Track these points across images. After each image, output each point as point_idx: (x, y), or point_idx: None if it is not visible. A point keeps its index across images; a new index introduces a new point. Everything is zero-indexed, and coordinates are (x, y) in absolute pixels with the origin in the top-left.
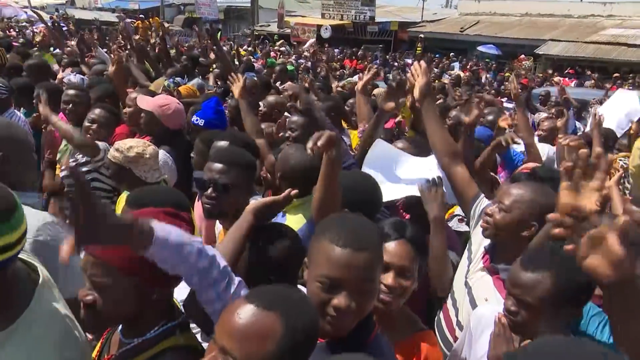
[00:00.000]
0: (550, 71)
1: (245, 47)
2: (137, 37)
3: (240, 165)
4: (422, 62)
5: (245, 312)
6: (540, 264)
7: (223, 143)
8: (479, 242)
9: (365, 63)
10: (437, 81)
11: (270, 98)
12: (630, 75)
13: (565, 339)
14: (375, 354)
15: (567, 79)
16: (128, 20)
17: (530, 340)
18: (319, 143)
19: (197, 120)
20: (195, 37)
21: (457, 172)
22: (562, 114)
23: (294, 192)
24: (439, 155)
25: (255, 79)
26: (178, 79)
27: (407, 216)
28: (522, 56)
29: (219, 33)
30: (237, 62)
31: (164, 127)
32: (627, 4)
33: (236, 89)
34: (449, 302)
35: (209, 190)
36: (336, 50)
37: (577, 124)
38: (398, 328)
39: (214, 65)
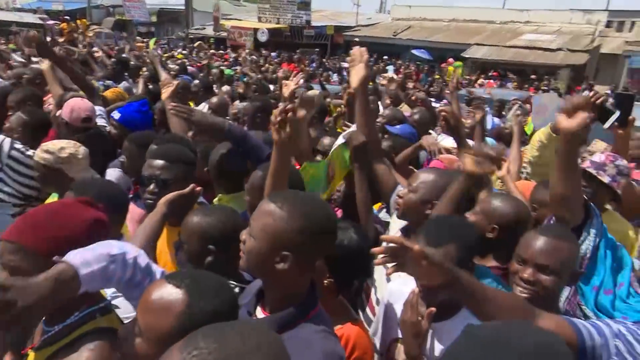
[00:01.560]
0: (473, 75)
1: (179, 50)
2: (62, 39)
3: (180, 161)
4: (363, 49)
5: (155, 287)
6: (441, 239)
7: (161, 141)
8: (397, 227)
9: (302, 66)
10: (370, 83)
11: (214, 99)
12: (546, 77)
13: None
14: (304, 332)
15: (491, 80)
16: (51, 22)
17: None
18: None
19: (113, 114)
20: (125, 40)
21: (378, 167)
22: (479, 108)
23: (199, 189)
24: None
25: (197, 82)
26: (109, 82)
27: (339, 211)
28: (451, 59)
29: (154, 37)
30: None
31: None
32: (542, 11)
33: (165, 92)
34: (370, 281)
35: (151, 186)
36: (273, 54)
37: (497, 120)
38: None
39: (144, 69)
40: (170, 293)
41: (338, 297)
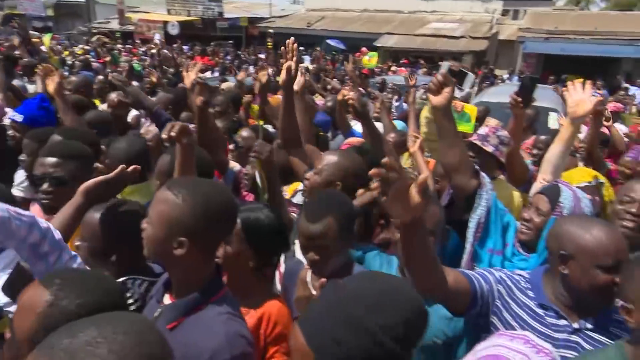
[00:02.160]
0: (389, 62)
1: (81, 45)
2: None
3: (74, 157)
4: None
5: (27, 288)
6: (319, 215)
7: (56, 137)
8: None
9: (217, 59)
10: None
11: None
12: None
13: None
14: (207, 315)
15: (403, 68)
16: None
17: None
18: (172, 133)
19: (14, 116)
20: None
21: (293, 161)
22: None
23: (132, 168)
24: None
25: (101, 77)
26: None
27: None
28: (364, 49)
29: (50, 32)
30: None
31: None
32: (445, 1)
33: (50, 84)
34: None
35: (44, 186)
36: (185, 47)
37: (405, 105)
38: (250, 296)
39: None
40: (36, 293)
41: (261, 275)
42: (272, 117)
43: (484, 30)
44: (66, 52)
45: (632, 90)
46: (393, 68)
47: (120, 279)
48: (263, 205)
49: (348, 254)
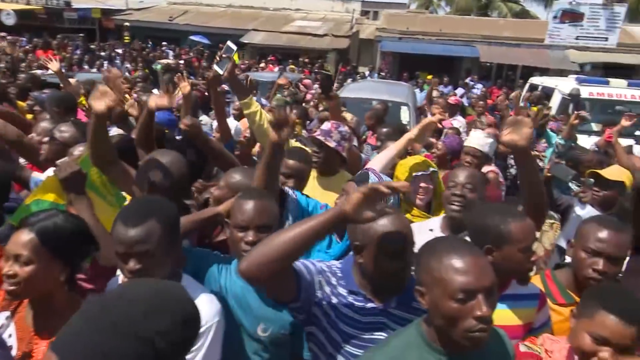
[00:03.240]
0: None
1: None
2: None
3: None
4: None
5: None
6: (140, 218)
7: None
8: None
9: (63, 53)
10: (146, 70)
11: None
12: (319, 60)
13: None
14: None
15: (270, 64)
16: None
17: None
18: None
19: None
20: None
21: (113, 172)
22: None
23: None
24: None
25: None
26: None
27: None
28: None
29: None
30: None
31: None
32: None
33: None
34: None
35: None
36: (23, 39)
37: (264, 100)
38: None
39: None
40: None
41: (74, 288)
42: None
43: (345, 29)
44: None
45: (478, 87)
46: (262, 65)
47: None
48: (55, 210)
49: (175, 264)
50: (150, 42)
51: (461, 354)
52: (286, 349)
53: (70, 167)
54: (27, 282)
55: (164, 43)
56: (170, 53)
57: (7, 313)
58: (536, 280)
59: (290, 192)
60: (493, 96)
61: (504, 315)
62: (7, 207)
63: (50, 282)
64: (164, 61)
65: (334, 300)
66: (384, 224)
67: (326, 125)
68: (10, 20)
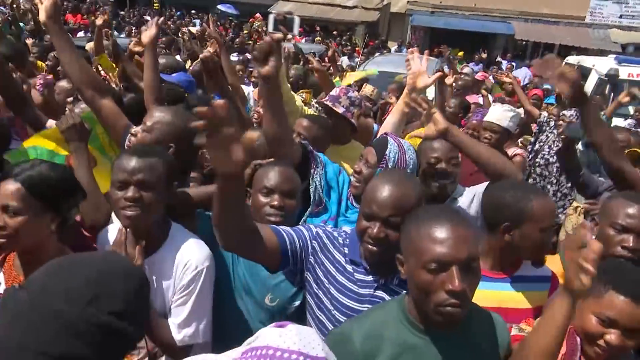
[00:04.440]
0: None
1: None
2: None
3: None
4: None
5: None
6: (147, 152)
7: None
8: None
9: (92, 18)
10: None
11: None
12: (347, 33)
13: None
14: None
15: (298, 36)
16: None
17: None
18: None
19: None
20: None
21: (104, 106)
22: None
23: None
24: (79, 88)
25: None
26: None
27: None
28: (258, 14)
29: None
30: None
31: None
32: None
33: None
34: None
35: None
36: None
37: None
38: None
39: None
40: None
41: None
42: (134, 76)
43: (375, 1)
44: None
45: (504, 64)
46: (288, 36)
47: None
48: (37, 160)
49: (164, 212)
50: (179, 11)
51: (443, 334)
52: (294, 321)
53: (72, 119)
54: (17, 232)
55: (192, 11)
56: (197, 22)
57: None
58: (553, 261)
59: (315, 152)
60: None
61: (512, 298)
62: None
63: (40, 232)
64: (190, 29)
65: (330, 267)
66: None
67: (335, 91)
68: None
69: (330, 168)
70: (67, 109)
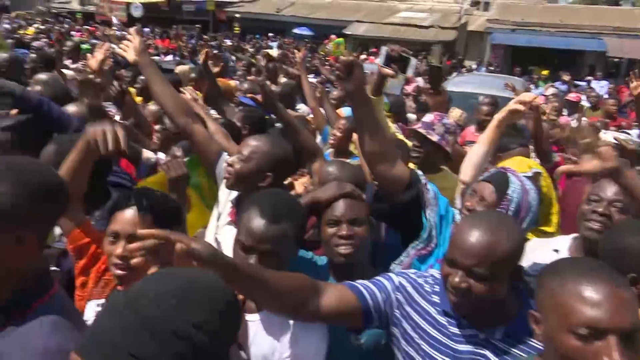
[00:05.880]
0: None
1: (36, 25)
2: None
3: None
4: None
5: None
6: (278, 215)
7: None
8: (225, 197)
9: (179, 43)
10: (253, 59)
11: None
12: (423, 52)
13: None
14: (25, 326)
15: (372, 57)
16: None
17: None
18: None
19: None
20: None
21: (196, 131)
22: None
23: None
24: (172, 116)
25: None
26: None
27: None
28: (333, 36)
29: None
30: None
31: None
32: None
33: None
34: None
35: None
36: (146, 29)
37: None
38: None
39: None
40: None
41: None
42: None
43: (452, 20)
44: (23, 32)
45: (594, 83)
46: (362, 57)
47: None
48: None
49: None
50: (258, 34)
51: None
52: (388, 356)
53: (180, 169)
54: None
55: (270, 34)
56: (275, 44)
57: (102, 301)
58: None
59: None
60: (622, 95)
61: None
62: (110, 181)
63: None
64: (266, 51)
65: (419, 320)
66: (475, 237)
67: (428, 117)
68: (137, 12)
69: (442, 202)
70: (173, 155)
